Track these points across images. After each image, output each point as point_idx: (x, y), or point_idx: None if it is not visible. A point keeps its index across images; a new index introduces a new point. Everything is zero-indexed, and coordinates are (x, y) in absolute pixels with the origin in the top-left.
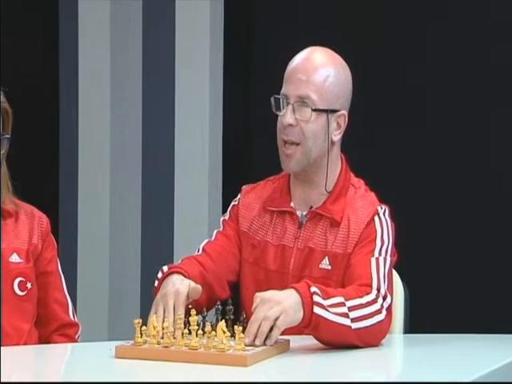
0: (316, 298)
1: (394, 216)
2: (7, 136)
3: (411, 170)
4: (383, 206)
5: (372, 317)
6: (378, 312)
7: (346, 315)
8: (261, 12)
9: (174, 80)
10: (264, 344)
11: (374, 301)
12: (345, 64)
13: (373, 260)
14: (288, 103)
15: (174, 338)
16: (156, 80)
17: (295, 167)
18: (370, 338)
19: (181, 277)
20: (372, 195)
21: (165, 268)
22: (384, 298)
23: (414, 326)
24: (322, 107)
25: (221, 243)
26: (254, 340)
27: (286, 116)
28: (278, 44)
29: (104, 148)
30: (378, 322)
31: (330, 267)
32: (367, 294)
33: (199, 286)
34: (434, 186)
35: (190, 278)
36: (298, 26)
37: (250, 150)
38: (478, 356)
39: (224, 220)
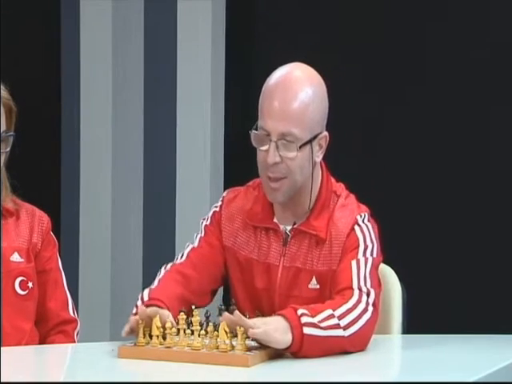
0: (305, 319)
1: (391, 217)
2: (11, 133)
3: (410, 171)
4: (362, 214)
5: (360, 317)
6: (365, 311)
7: (337, 326)
8: (262, 13)
9: (176, 81)
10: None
11: (359, 301)
12: (321, 81)
13: (353, 262)
14: (270, 140)
15: (178, 335)
16: (158, 81)
17: (283, 198)
18: (361, 341)
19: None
20: (351, 202)
21: (145, 295)
22: (368, 295)
23: (412, 326)
24: (306, 140)
25: (204, 252)
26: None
27: (270, 155)
28: (279, 45)
29: (106, 148)
30: (366, 320)
31: (318, 286)
32: (350, 297)
33: (166, 312)
34: (432, 187)
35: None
36: (299, 28)
37: (252, 152)
38: (478, 357)
39: (206, 226)
